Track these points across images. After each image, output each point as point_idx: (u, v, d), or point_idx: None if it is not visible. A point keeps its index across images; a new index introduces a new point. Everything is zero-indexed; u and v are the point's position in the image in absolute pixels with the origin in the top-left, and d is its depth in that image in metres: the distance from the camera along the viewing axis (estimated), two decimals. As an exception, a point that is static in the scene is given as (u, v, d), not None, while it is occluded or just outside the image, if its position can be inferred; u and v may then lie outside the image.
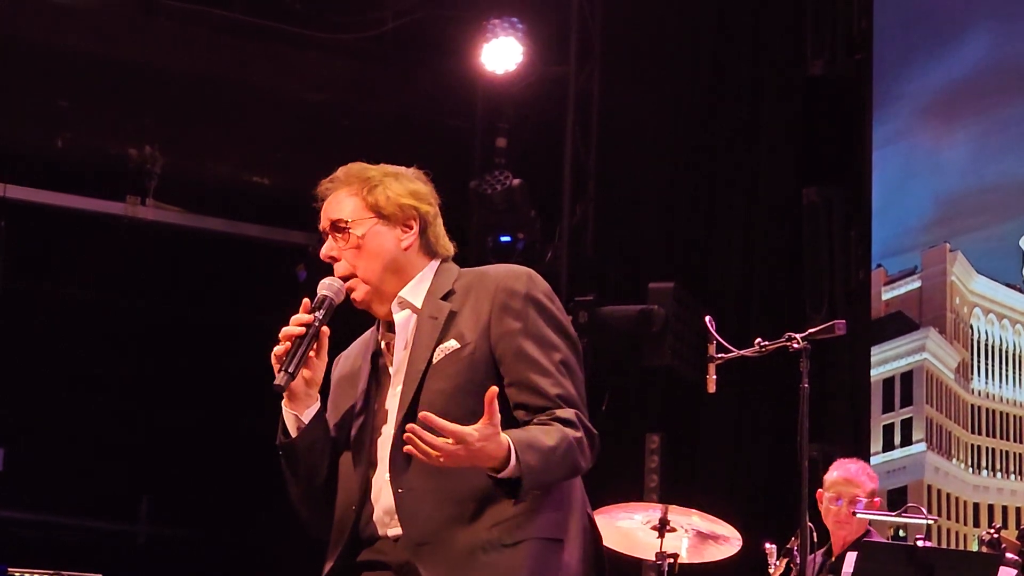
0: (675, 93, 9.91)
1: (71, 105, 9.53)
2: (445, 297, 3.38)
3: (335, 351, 3.50)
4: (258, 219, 9.90)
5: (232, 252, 9.83)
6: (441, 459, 3.05)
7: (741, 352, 5.60)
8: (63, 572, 7.79)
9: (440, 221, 3.50)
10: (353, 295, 3.40)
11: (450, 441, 3.03)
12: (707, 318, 5.65)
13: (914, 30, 9.57)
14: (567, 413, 3.24)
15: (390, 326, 3.43)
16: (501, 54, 9.59)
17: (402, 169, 3.51)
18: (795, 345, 5.42)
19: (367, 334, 3.54)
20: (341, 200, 3.43)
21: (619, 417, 8.95)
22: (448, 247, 3.51)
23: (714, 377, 5.64)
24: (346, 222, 3.40)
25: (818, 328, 5.53)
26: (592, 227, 9.85)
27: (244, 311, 9.70)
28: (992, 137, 9.03)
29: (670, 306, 8.89)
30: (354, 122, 9.92)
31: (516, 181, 9.32)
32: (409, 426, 3.05)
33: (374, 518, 3.32)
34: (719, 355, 5.63)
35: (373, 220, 3.40)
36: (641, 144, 9.94)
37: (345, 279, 3.39)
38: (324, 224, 3.44)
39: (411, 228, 3.43)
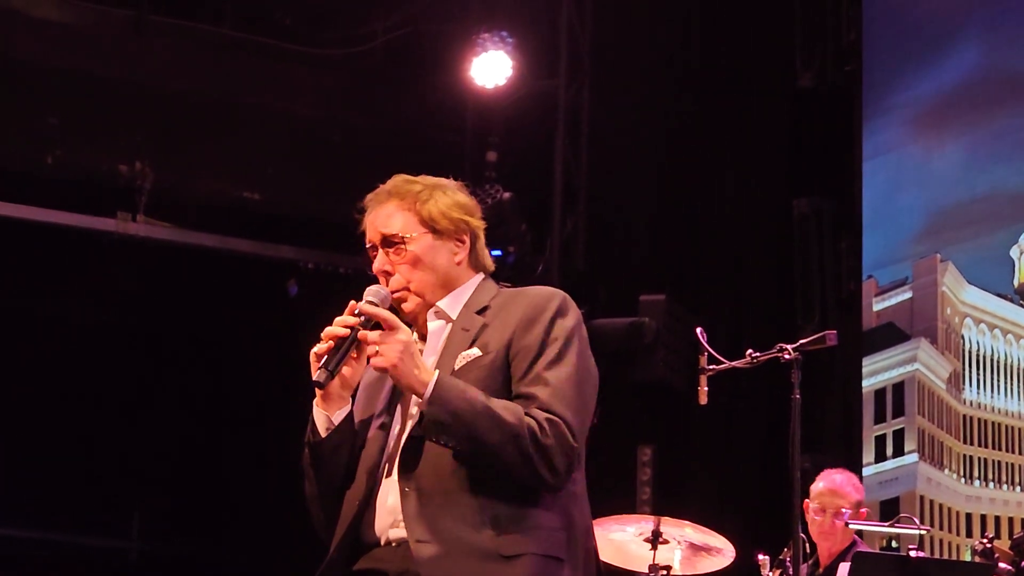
0: (664, 106, 9.92)
1: (61, 122, 9.51)
2: (480, 312, 3.40)
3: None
4: (249, 235, 9.88)
5: (223, 268, 9.81)
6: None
7: (733, 363, 5.59)
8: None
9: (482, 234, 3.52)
10: (404, 306, 3.41)
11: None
12: (698, 330, 5.64)
13: (904, 42, 9.58)
14: (540, 416, 3.22)
15: (423, 335, 3.44)
16: (491, 68, 9.60)
17: (444, 181, 3.53)
18: (786, 356, 5.40)
19: None
20: (392, 214, 3.42)
21: (611, 429, 8.93)
22: (490, 262, 3.53)
23: (706, 389, 5.63)
24: (401, 237, 3.40)
25: (809, 339, 5.50)
26: (583, 240, 9.85)
27: (235, 327, 9.70)
28: (982, 147, 9.03)
29: (661, 318, 8.89)
30: (344, 137, 9.92)
31: (506, 195, 9.31)
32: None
33: (376, 518, 3.31)
34: (710, 367, 5.62)
35: (428, 235, 3.42)
36: (631, 157, 9.94)
37: (395, 291, 3.40)
38: (374, 238, 3.43)
39: (464, 242, 3.47)
